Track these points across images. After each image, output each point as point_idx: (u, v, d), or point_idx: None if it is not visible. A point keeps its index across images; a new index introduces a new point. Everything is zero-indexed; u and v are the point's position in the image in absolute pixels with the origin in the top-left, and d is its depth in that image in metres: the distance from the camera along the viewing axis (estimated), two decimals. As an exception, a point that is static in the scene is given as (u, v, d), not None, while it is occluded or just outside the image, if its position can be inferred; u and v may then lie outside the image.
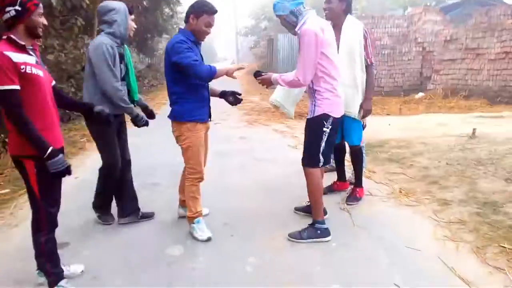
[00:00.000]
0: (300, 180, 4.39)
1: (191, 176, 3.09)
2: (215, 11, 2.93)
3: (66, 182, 4.41)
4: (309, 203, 3.22)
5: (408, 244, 2.88)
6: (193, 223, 3.12)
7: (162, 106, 11.22)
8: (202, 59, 2.99)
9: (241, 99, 3.29)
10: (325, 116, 2.93)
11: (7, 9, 2.10)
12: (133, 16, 3.26)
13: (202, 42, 3.11)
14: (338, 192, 3.96)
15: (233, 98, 3.25)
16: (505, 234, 2.92)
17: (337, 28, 3.38)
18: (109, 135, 3.15)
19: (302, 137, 6.50)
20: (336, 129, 3.08)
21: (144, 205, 3.58)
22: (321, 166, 3.05)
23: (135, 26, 3.28)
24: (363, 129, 3.78)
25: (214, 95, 3.29)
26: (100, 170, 3.40)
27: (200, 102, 3.02)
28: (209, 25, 2.93)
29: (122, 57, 3.14)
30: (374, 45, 3.41)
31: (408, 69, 13.41)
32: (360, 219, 3.35)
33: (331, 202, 3.68)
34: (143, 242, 3.09)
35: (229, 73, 2.94)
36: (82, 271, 2.65)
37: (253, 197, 3.93)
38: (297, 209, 3.54)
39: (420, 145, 5.47)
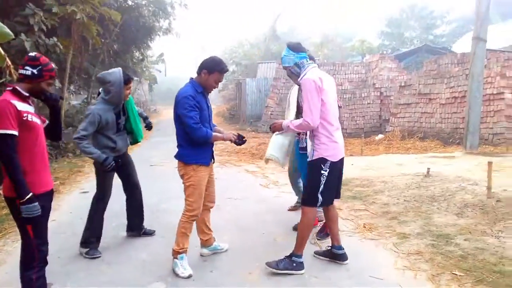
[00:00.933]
0: (274, 216, 4.69)
1: (188, 213, 3.28)
2: (226, 71, 3.34)
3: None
4: (329, 248, 3.49)
5: (372, 273, 3.18)
6: (177, 258, 3.27)
7: (134, 148, 11.31)
8: (209, 107, 3.37)
9: (245, 140, 3.49)
10: (322, 160, 3.15)
11: (26, 67, 2.42)
12: (131, 85, 3.78)
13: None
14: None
15: (239, 140, 3.42)
16: (456, 263, 3.28)
17: None
18: (107, 174, 3.71)
19: (272, 177, 6.86)
20: (336, 172, 3.25)
21: (124, 243, 3.72)
22: (320, 206, 3.30)
23: (130, 93, 3.82)
24: None
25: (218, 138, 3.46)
26: (94, 196, 3.88)
27: (203, 147, 3.27)
28: (219, 81, 3.29)
29: (119, 113, 3.74)
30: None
31: (368, 112, 14.31)
32: (329, 252, 3.63)
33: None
34: (125, 279, 3.21)
35: (225, 139, 3.33)
36: None
37: (229, 235, 4.15)
38: (317, 253, 3.59)
39: (381, 183, 5.92)
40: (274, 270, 3.21)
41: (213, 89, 3.35)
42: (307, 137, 3.42)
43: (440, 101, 11.68)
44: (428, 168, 6.16)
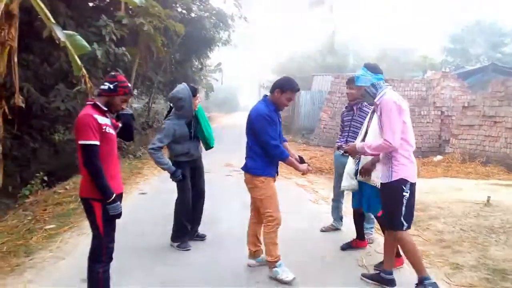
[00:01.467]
0: (323, 234, 4.71)
1: (270, 224, 3.43)
2: (298, 89, 3.57)
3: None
4: (378, 271, 3.49)
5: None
6: (275, 267, 3.44)
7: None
8: (280, 123, 3.58)
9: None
10: (403, 181, 3.11)
11: (105, 83, 2.77)
12: (198, 95, 4.15)
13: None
14: (357, 249, 4.22)
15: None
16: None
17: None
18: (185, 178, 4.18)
19: (322, 192, 6.84)
20: (414, 193, 3.22)
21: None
22: (406, 229, 3.17)
23: (199, 102, 4.27)
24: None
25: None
26: (176, 200, 4.31)
27: (271, 160, 3.48)
28: (290, 100, 3.51)
29: (190, 123, 4.20)
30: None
31: (427, 131, 13.77)
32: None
33: (351, 259, 3.97)
34: (179, 279, 3.39)
35: (300, 170, 3.55)
36: None
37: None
38: (364, 276, 3.53)
39: (436, 209, 5.71)
40: None
41: (285, 107, 3.58)
42: (380, 158, 3.39)
43: (506, 125, 10.99)
44: (489, 197, 5.86)
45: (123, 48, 10.21)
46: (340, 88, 15.00)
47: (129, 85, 2.88)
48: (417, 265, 3.16)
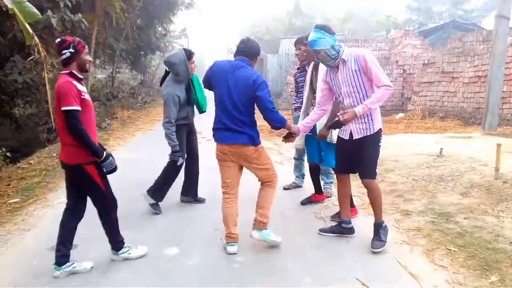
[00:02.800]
0: (283, 193, 4.91)
1: (275, 184, 3.44)
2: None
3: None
4: (337, 223, 3.67)
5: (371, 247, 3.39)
6: (266, 229, 3.40)
7: (156, 122, 11.68)
8: None
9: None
10: (380, 131, 3.29)
11: (63, 51, 2.79)
12: (193, 59, 4.22)
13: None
14: (315, 203, 4.48)
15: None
16: (452, 239, 3.44)
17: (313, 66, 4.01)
18: (180, 136, 4.22)
19: (287, 154, 7.05)
20: None
21: (144, 212, 4.07)
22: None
23: (194, 67, 4.25)
24: None
25: None
26: (168, 163, 4.34)
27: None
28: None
29: (188, 88, 4.27)
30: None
31: (390, 90, 14.16)
32: (332, 226, 3.85)
33: (309, 212, 4.22)
34: (143, 243, 3.53)
35: (294, 132, 3.45)
36: (92, 267, 3.11)
37: (240, 207, 4.41)
38: (323, 231, 3.68)
39: (393, 162, 6.04)
40: (384, 243, 3.34)
41: None
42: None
43: (463, 80, 11.47)
44: (441, 148, 6.21)
45: (79, 15, 9.80)
46: (306, 50, 15.07)
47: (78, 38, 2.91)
48: (380, 211, 3.43)
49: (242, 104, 3.17)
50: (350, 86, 3.25)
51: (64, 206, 3.16)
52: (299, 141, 4.21)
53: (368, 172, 3.34)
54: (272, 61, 19.49)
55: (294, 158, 5.13)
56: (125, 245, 3.25)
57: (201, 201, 4.61)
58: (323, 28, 3.25)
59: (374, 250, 3.28)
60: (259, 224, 3.37)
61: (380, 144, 3.31)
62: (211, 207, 4.33)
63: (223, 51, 43.18)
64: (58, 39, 2.83)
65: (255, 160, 3.30)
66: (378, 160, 3.40)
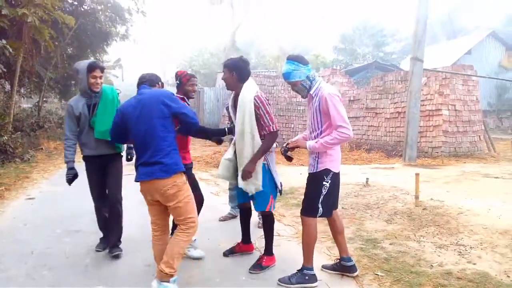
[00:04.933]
0: (220, 224, 4.88)
1: (191, 230, 2.97)
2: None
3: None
4: (338, 260, 3.45)
5: (304, 274, 3.45)
6: (168, 282, 2.88)
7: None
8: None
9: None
10: (326, 171, 3.14)
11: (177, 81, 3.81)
12: (96, 73, 3.65)
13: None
14: (240, 255, 3.92)
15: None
16: (380, 264, 3.62)
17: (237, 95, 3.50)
18: (87, 173, 3.85)
19: (224, 185, 7.06)
20: (338, 182, 3.28)
21: (69, 250, 3.79)
22: (320, 216, 3.22)
23: (94, 82, 3.64)
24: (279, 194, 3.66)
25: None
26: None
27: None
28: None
29: (92, 104, 3.70)
30: (269, 110, 3.39)
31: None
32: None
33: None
34: (66, 284, 3.28)
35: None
36: None
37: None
38: (324, 267, 3.53)
39: (324, 192, 6.29)
40: (288, 286, 3.20)
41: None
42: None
43: (385, 116, 12.44)
44: (367, 178, 6.62)
45: (4, 41, 9.26)
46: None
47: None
48: (308, 254, 3.26)
49: (154, 127, 2.90)
50: (311, 120, 3.26)
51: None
52: (223, 171, 3.60)
53: (304, 208, 3.27)
54: (209, 94, 19.71)
55: (229, 188, 5.16)
56: None
57: (116, 255, 3.76)
58: (296, 59, 3.19)
59: (278, 282, 3.25)
60: (160, 274, 2.88)
61: (324, 184, 3.15)
62: (143, 241, 4.17)
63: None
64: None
65: (173, 197, 2.92)
66: (331, 198, 3.25)
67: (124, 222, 3.97)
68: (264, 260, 3.57)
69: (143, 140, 2.94)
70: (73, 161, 3.72)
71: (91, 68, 3.64)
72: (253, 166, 3.28)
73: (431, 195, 5.74)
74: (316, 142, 3.11)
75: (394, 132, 12.10)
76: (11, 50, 9.41)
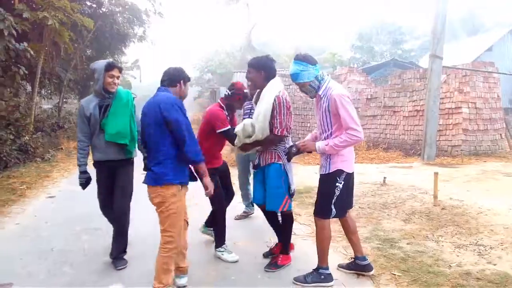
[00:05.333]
0: (234, 223, 4.89)
1: (168, 246, 2.83)
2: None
3: (8, 228, 4.60)
4: (353, 259, 3.41)
5: (319, 274, 3.44)
6: None
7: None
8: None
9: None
10: (339, 172, 3.06)
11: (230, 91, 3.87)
12: (115, 73, 3.53)
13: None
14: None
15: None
16: (397, 264, 3.58)
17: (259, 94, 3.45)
18: (98, 179, 3.70)
19: (236, 184, 7.07)
20: (350, 182, 3.20)
21: (87, 247, 3.86)
22: (334, 217, 3.16)
23: (112, 82, 3.51)
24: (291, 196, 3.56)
25: None
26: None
27: (183, 162, 2.84)
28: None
29: (105, 105, 3.55)
30: (288, 114, 3.35)
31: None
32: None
33: (262, 242, 4.21)
34: (84, 281, 3.35)
35: (204, 183, 3.03)
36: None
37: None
38: (340, 266, 3.51)
39: (340, 191, 6.24)
40: (303, 285, 3.20)
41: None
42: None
43: (403, 114, 12.24)
44: (385, 177, 6.53)
45: (25, 44, 9.49)
46: (257, 84, 15.46)
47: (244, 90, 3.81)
48: (322, 254, 3.22)
49: (153, 133, 2.84)
50: (320, 121, 3.16)
51: None
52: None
53: (317, 209, 3.21)
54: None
55: (240, 188, 5.17)
56: None
57: (120, 269, 3.55)
58: (304, 60, 3.08)
59: (293, 280, 3.25)
60: None
61: (337, 185, 3.07)
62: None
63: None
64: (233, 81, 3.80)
65: (157, 206, 2.86)
66: (345, 199, 3.16)
67: (142, 220, 4.03)
68: (280, 259, 3.57)
69: (148, 144, 2.93)
70: (86, 164, 3.63)
71: (109, 67, 3.54)
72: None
73: (450, 194, 5.63)
74: (326, 145, 3.02)
75: (412, 131, 11.91)
76: (32, 52, 9.64)
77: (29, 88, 13.38)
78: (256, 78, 3.41)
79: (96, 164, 3.66)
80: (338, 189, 3.08)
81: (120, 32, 16.14)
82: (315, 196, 3.25)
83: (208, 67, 32.97)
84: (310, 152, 3.27)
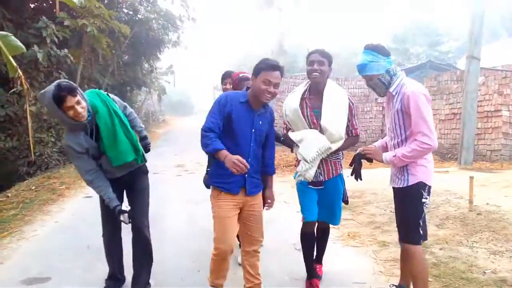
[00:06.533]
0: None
1: (213, 251, 2.72)
2: (276, 68, 2.65)
3: (48, 225, 4.83)
4: (394, 286, 3.02)
5: (348, 277, 3.40)
6: None
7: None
8: (254, 126, 2.68)
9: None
10: (422, 185, 2.57)
11: None
12: (68, 102, 2.55)
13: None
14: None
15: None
16: (429, 269, 3.49)
17: (318, 92, 3.03)
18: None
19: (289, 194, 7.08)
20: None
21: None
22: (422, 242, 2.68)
23: (80, 111, 2.60)
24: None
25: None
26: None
27: (226, 168, 2.47)
28: (269, 82, 2.60)
29: (92, 134, 2.79)
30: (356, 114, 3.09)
31: (370, 126, 14.54)
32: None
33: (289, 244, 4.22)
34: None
35: (227, 163, 2.45)
36: None
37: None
38: None
39: (371, 195, 6.14)
40: None
41: (268, 96, 2.62)
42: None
43: (439, 117, 11.87)
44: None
45: (66, 50, 9.98)
46: (289, 87, 15.44)
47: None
48: None
49: None
50: (391, 124, 2.73)
51: (39, 238, 3.13)
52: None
53: (404, 233, 2.70)
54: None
55: None
56: None
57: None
58: (375, 49, 2.68)
59: None
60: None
61: (423, 201, 2.60)
62: (190, 241, 4.32)
63: (209, 88, 43.89)
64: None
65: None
66: (416, 219, 2.62)
67: (179, 219, 4.11)
68: (318, 269, 3.41)
69: None
70: (115, 198, 2.91)
71: (59, 99, 2.55)
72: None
73: (487, 199, 5.41)
74: (393, 156, 2.59)
75: (449, 135, 11.52)
76: (72, 58, 10.12)
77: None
78: (326, 72, 3.00)
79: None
80: (426, 205, 2.61)
81: (155, 38, 16.61)
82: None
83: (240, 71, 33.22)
84: (371, 161, 2.80)
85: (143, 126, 3.37)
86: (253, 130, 2.67)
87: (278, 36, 29.97)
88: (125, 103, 3.21)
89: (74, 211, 5.63)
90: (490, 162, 9.70)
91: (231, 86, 3.85)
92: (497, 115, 10.21)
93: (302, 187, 3.10)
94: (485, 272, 3.34)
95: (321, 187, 3.07)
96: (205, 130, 2.58)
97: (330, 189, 3.10)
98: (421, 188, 2.59)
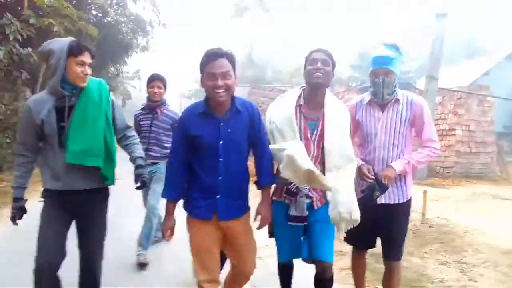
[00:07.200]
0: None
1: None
2: (219, 56, 2.31)
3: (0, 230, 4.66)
4: None
5: (303, 285, 3.49)
6: None
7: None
8: (220, 136, 2.22)
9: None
10: (411, 200, 2.59)
11: None
12: (84, 58, 2.33)
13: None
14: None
15: None
16: (380, 278, 3.61)
17: (316, 100, 2.50)
18: (45, 215, 2.53)
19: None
20: None
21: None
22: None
23: (83, 71, 2.33)
24: None
25: None
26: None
27: (199, 191, 2.25)
28: (213, 77, 2.19)
29: (60, 112, 2.31)
30: None
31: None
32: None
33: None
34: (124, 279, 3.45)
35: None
36: None
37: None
38: None
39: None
40: None
41: (219, 92, 2.14)
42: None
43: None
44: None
45: (29, 49, 9.68)
46: (257, 98, 15.64)
47: None
48: None
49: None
50: (391, 136, 2.53)
51: None
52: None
53: (395, 251, 2.68)
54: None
55: None
56: None
57: None
58: (398, 49, 2.54)
59: None
60: None
61: (409, 216, 2.63)
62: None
63: (176, 95, 43.46)
64: None
65: None
66: (406, 234, 2.74)
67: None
68: None
69: None
70: (24, 188, 2.50)
71: (78, 50, 2.28)
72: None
73: (439, 213, 5.74)
74: (406, 163, 2.45)
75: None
76: (35, 57, 9.82)
77: (28, 93, 13.51)
78: (330, 75, 2.51)
79: (48, 193, 2.43)
80: (410, 220, 2.59)
81: (123, 42, 16.38)
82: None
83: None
84: (385, 191, 2.47)
85: (143, 155, 2.78)
86: (221, 142, 2.19)
87: (247, 48, 30.29)
88: (130, 125, 2.81)
89: (28, 215, 5.42)
90: (443, 179, 10.24)
91: (161, 90, 3.95)
92: (451, 133, 10.83)
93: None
94: (433, 281, 3.56)
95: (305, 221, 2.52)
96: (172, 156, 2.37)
97: (320, 216, 2.52)
98: (410, 204, 2.62)
